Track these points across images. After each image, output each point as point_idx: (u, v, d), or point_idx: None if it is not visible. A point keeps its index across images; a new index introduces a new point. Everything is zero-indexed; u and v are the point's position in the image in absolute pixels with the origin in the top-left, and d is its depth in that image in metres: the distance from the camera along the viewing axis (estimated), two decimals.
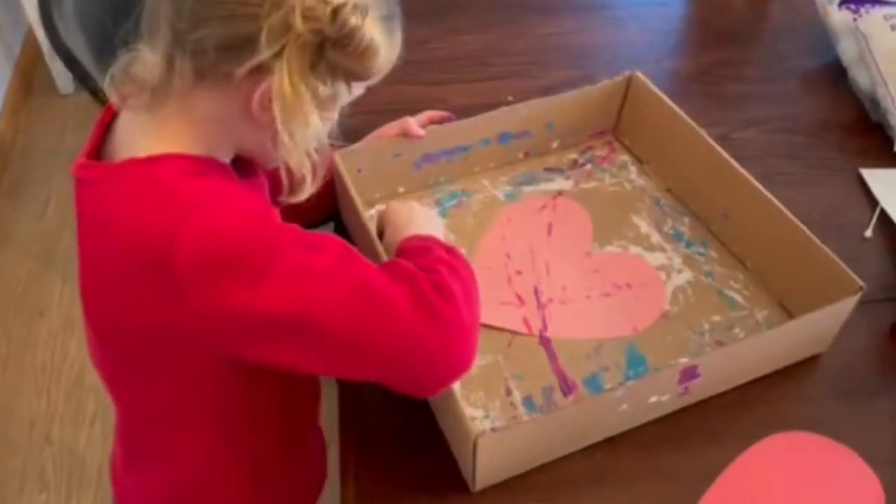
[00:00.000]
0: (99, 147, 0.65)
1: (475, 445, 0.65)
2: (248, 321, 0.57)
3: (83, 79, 1.48)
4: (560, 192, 0.99)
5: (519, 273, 0.90)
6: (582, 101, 0.99)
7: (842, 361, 0.82)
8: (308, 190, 0.61)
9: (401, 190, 0.97)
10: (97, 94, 1.51)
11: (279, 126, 0.57)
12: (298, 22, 0.54)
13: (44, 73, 2.49)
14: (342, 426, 0.79)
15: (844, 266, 0.77)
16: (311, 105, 0.57)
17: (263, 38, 0.54)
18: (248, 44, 0.54)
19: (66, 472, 1.64)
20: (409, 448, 0.75)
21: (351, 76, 0.59)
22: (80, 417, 1.73)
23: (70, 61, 1.42)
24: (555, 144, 1.03)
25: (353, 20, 0.55)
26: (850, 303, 0.76)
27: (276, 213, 0.61)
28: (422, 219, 0.78)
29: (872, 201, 0.98)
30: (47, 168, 2.28)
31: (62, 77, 2.47)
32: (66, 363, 1.84)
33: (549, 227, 0.95)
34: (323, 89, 0.58)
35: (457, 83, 1.14)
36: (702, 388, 0.76)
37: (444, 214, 0.96)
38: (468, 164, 0.99)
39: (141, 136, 0.61)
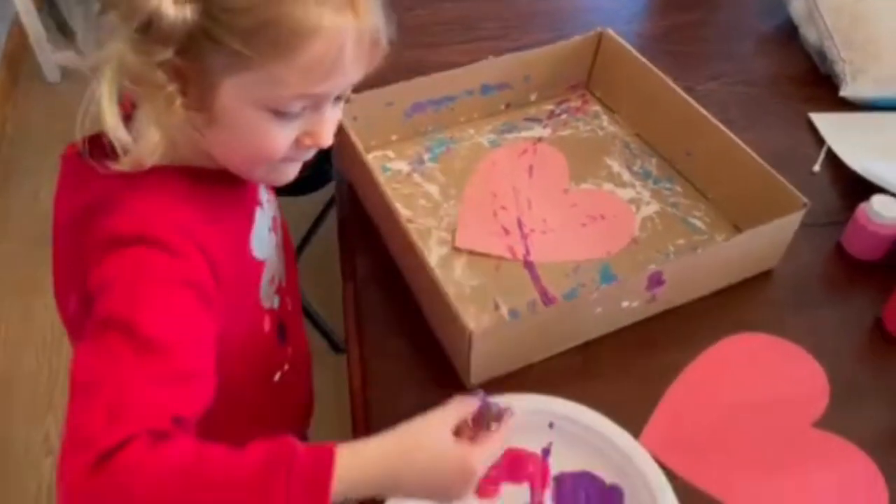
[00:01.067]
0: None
1: (470, 339, 0.74)
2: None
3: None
4: (539, 139, 1.08)
5: (504, 208, 0.99)
6: (556, 56, 1.08)
7: (792, 275, 0.92)
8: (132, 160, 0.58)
9: (393, 138, 1.05)
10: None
11: None
12: None
13: (31, 62, 2.54)
14: (348, 341, 0.87)
15: (791, 187, 0.87)
16: (108, 70, 0.55)
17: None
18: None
19: None
20: (409, 354, 0.84)
21: (150, 42, 0.54)
22: None
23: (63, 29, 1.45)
24: (533, 97, 1.12)
25: None
26: (797, 217, 0.86)
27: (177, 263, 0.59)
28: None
29: (820, 141, 1.09)
30: (37, 155, 2.33)
31: (49, 66, 2.53)
32: (64, 337, 1.88)
33: (531, 169, 1.04)
34: (131, 56, 0.54)
35: (439, 46, 1.23)
36: (668, 296, 0.85)
37: (434, 160, 1.05)
38: (455, 114, 1.08)
39: None
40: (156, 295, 0.56)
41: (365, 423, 0.79)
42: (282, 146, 0.60)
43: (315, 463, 0.53)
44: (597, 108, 1.13)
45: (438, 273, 0.79)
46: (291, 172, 0.65)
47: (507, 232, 0.96)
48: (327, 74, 0.56)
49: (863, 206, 0.92)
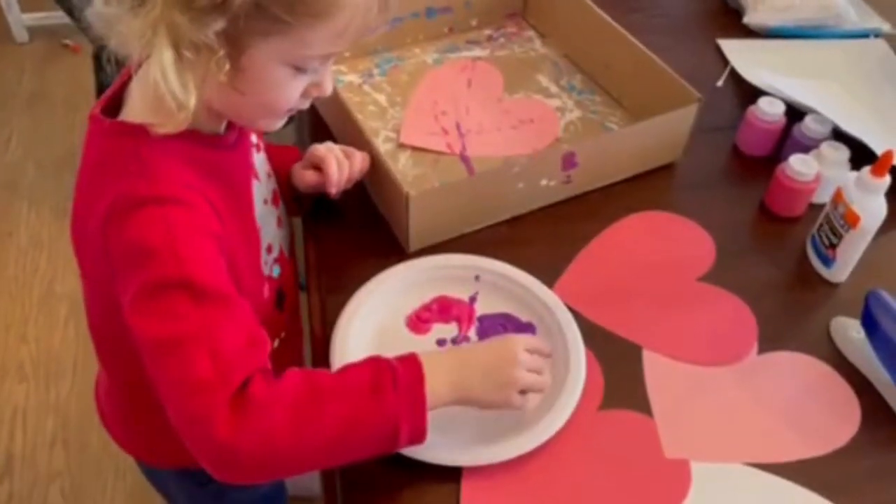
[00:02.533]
0: (120, 91, 0.69)
1: (407, 201, 0.86)
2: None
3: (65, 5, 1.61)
4: (478, 58, 1.21)
5: (444, 113, 1.12)
6: None
7: (692, 168, 1.06)
8: (179, 115, 0.60)
9: (346, 55, 1.17)
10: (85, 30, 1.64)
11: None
12: None
13: (0, 23, 2.61)
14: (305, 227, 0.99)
15: (690, 87, 1.00)
16: (165, 39, 0.57)
17: None
18: None
19: (44, 366, 1.78)
20: (354, 227, 0.96)
21: (211, 10, 0.56)
22: (54, 320, 1.87)
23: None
24: (474, 22, 1.25)
25: None
26: (692, 109, 1.00)
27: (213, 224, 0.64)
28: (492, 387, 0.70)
29: (725, 63, 1.23)
30: (7, 110, 2.40)
31: (18, 26, 2.59)
32: (37, 275, 1.97)
33: (469, 82, 1.17)
34: (187, 26, 0.56)
35: None
36: (581, 178, 0.98)
37: (382, 74, 1.17)
38: (402, 35, 1.20)
39: (131, 100, 0.66)
40: (197, 248, 0.62)
41: (317, 276, 0.91)
42: (294, 97, 0.66)
43: (409, 370, 0.66)
44: (531, 33, 1.26)
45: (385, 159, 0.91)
46: (282, 122, 0.71)
47: (446, 132, 1.09)
48: (351, 37, 0.62)
49: (752, 107, 1.06)
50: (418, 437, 0.66)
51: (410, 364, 0.66)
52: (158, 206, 0.61)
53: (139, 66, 0.65)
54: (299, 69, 0.64)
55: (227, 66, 0.59)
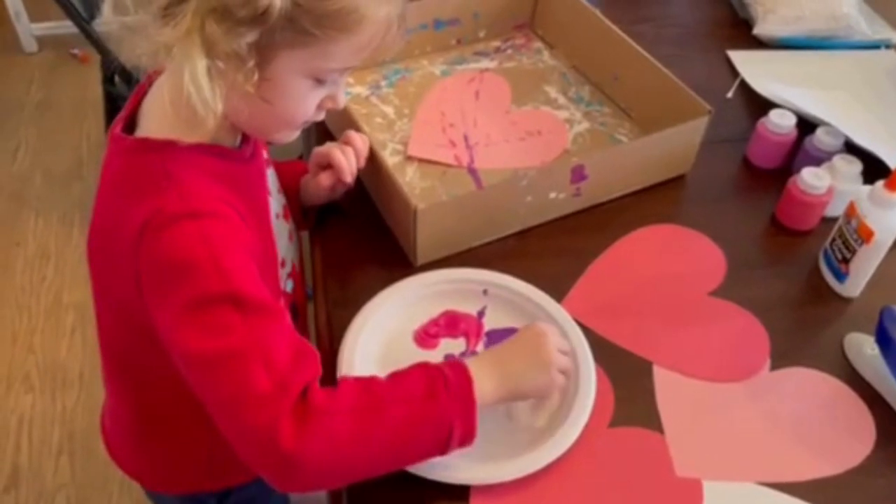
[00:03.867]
0: (136, 109, 0.69)
1: (415, 215, 0.86)
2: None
3: (71, 14, 1.61)
4: (486, 70, 1.20)
5: (452, 125, 1.11)
6: None
7: (702, 180, 1.05)
8: (208, 124, 0.60)
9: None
10: (84, 30, 1.65)
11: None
12: None
13: (9, 33, 2.62)
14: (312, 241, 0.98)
15: (699, 98, 1.00)
16: (198, 48, 0.57)
17: None
18: None
19: (50, 377, 1.78)
20: (361, 240, 0.95)
21: (247, 22, 0.57)
22: (61, 330, 1.87)
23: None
24: (482, 34, 1.24)
25: None
26: (702, 122, 0.99)
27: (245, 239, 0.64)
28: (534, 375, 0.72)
29: (735, 74, 1.23)
30: (15, 120, 2.41)
31: (27, 36, 2.60)
32: (44, 285, 1.98)
33: (477, 94, 1.16)
34: (221, 36, 0.57)
35: None
36: (591, 191, 0.98)
37: (390, 86, 1.16)
38: (410, 47, 1.19)
39: (150, 115, 0.66)
40: (237, 260, 0.61)
41: (324, 288, 0.90)
42: (311, 109, 0.67)
43: (457, 373, 0.67)
44: (539, 44, 1.25)
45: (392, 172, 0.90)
46: (296, 134, 0.72)
47: (454, 144, 1.08)
48: (371, 51, 0.64)
49: (762, 119, 1.05)
50: (468, 438, 0.66)
51: (457, 367, 0.68)
52: (194, 220, 0.61)
53: (150, 81, 0.65)
54: (319, 81, 0.65)
55: (256, 77, 0.60)
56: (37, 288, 1.97)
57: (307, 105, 0.66)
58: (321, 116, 0.71)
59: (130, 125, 0.68)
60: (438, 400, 0.65)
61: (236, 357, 0.59)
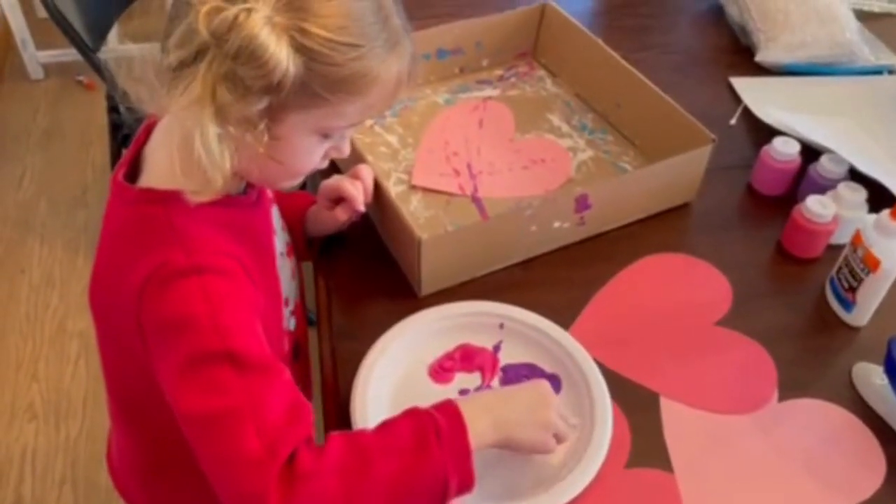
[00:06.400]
0: (138, 155, 0.69)
1: (419, 246, 0.85)
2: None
3: (77, 44, 1.63)
4: (489, 98, 1.21)
5: (455, 154, 1.11)
6: (505, 23, 1.21)
7: (707, 208, 1.05)
8: (217, 183, 0.60)
9: None
10: (90, 59, 1.66)
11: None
12: (202, 25, 0.55)
13: (16, 60, 2.64)
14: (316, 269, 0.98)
15: (703, 127, 1.00)
16: (209, 112, 0.57)
17: (173, 39, 0.57)
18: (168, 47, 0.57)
19: (54, 405, 1.78)
20: (365, 271, 0.95)
21: (260, 91, 0.57)
22: (65, 358, 1.87)
23: (63, 25, 1.55)
24: (485, 63, 1.25)
25: (231, 16, 0.54)
26: (706, 150, 0.99)
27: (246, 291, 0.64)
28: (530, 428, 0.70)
29: (738, 101, 1.23)
30: (21, 147, 2.42)
31: (33, 63, 2.63)
32: (48, 312, 1.98)
33: (480, 122, 1.17)
34: (231, 102, 0.57)
35: None
36: (595, 220, 0.97)
37: (394, 115, 1.17)
38: None
39: (154, 164, 0.67)
40: (237, 318, 0.61)
41: (329, 320, 0.90)
42: (318, 161, 0.68)
43: (450, 419, 0.65)
44: (541, 73, 1.26)
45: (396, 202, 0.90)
46: (301, 180, 0.72)
47: (457, 173, 1.08)
48: (381, 108, 0.66)
49: (766, 147, 1.05)
50: (466, 487, 0.65)
51: (450, 413, 0.66)
52: (197, 276, 0.61)
53: (151, 126, 0.65)
54: (326, 136, 0.66)
55: (266, 138, 0.60)
56: (41, 315, 1.97)
57: (314, 158, 0.67)
58: (325, 165, 0.71)
59: (133, 170, 0.68)
60: (429, 453, 0.63)
61: (229, 418, 0.59)
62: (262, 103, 0.58)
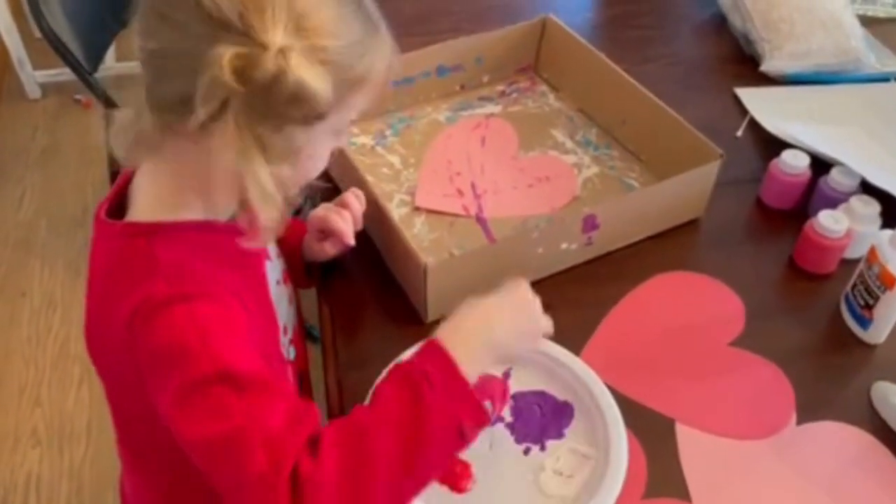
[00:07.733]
0: (123, 191, 0.68)
1: (424, 272, 0.84)
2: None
3: (73, 66, 1.62)
4: (491, 115, 1.19)
5: (458, 174, 1.09)
6: (505, 39, 1.20)
7: (716, 224, 1.03)
8: (270, 237, 0.63)
9: None
10: (86, 80, 1.64)
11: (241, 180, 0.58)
12: (228, 77, 0.54)
13: (13, 80, 2.63)
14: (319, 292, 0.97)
15: (710, 142, 0.98)
16: (258, 157, 0.57)
17: (199, 97, 0.55)
18: (188, 102, 0.56)
19: (57, 430, 1.76)
20: (370, 297, 0.93)
21: (300, 121, 0.59)
22: (67, 382, 1.85)
23: (59, 48, 1.54)
24: (485, 79, 1.23)
25: (273, 66, 0.55)
26: (714, 166, 0.97)
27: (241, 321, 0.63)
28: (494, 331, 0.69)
29: (743, 112, 1.21)
30: (20, 166, 2.41)
31: (31, 83, 2.62)
32: (50, 336, 1.96)
33: (483, 140, 1.15)
34: (274, 139, 0.58)
35: (398, 38, 1.33)
36: (603, 239, 0.95)
37: (395, 135, 1.15)
38: (413, 94, 1.18)
39: (141, 199, 0.66)
40: (228, 339, 0.61)
41: (334, 350, 0.88)
42: (327, 161, 0.68)
43: (437, 361, 0.63)
44: (544, 87, 1.24)
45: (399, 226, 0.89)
46: None
47: (461, 193, 1.06)
48: (383, 87, 0.66)
49: (775, 160, 1.04)
50: (481, 419, 0.64)
51: (436, 355, 0.64)
52: (183, 303, 0.60)
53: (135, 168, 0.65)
54: (338, 132, 0.66)
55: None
56: (43, 339, 1.95)
57: (326, 160, 0.68)
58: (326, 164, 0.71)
59: (118, 208, 0.67)
60: (427, 405, 0.60)
61: (234, 440, 0.58)
62: (303, 131, 0.60)
